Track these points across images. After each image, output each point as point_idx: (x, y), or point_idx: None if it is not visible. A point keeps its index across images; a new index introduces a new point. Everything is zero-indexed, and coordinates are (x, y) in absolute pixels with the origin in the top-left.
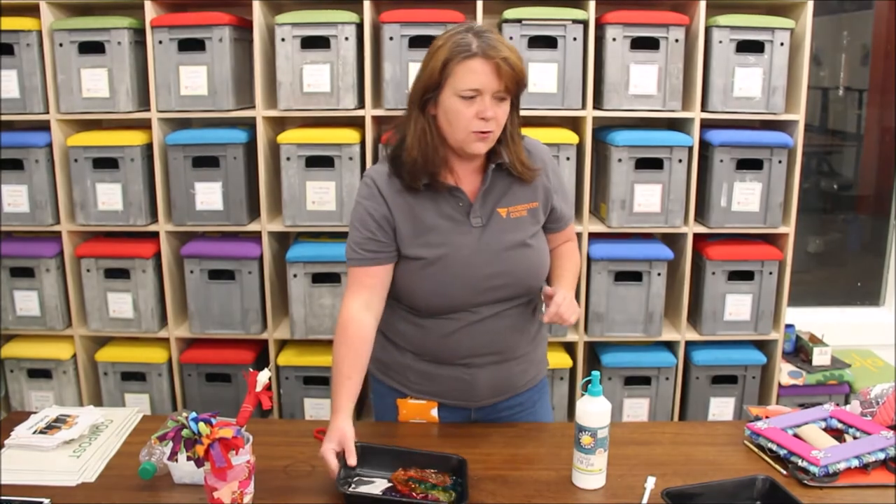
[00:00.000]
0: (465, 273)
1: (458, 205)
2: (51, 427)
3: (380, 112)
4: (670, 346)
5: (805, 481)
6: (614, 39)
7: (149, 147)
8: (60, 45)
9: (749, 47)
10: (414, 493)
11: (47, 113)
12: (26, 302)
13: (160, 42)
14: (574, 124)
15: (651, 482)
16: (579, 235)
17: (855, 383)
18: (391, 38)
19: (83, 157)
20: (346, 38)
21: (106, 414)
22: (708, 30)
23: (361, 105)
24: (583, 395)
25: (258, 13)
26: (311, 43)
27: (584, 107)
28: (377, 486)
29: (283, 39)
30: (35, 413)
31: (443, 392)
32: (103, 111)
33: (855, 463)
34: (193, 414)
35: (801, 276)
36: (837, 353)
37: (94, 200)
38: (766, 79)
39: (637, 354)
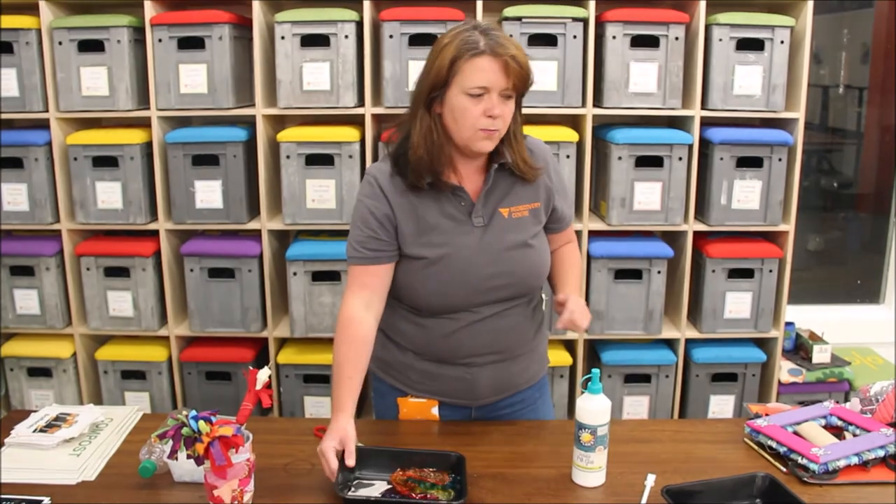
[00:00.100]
0: (467, 273)
1: (460, 204)
2: (51, 425)
3: (380, 110)
4: (670, 343)
5: (805, 479)
6: (614, 37)
7: (148, 145)
8: (60, 43)
9: (749, 45)
10: (413, 494)
11: (47, 111)
12: (26, 300)
13: (160, 40)
14: (574, 122)
15: (651, 480)
16: (579, 233)
17: (855, 381)
18: (391, 36)
19: (83, 155)
20: (346, 36)
21: (106, 412)
22: (708, 28)
23: (361, 103)
24: (583, 392)
25: (258, 11)
26: (310, 41)
27: (584, 105)
28: (377, 489)
29: (282, 37)
30: (35, 411)
31: (444, 391)
32: (103, 109)
33: (855, 460)
34: (193, 412)
35: (801, 274)
36: (837, 351)
37: (93, 199)
38: (766, 77)
39: (637, 352)
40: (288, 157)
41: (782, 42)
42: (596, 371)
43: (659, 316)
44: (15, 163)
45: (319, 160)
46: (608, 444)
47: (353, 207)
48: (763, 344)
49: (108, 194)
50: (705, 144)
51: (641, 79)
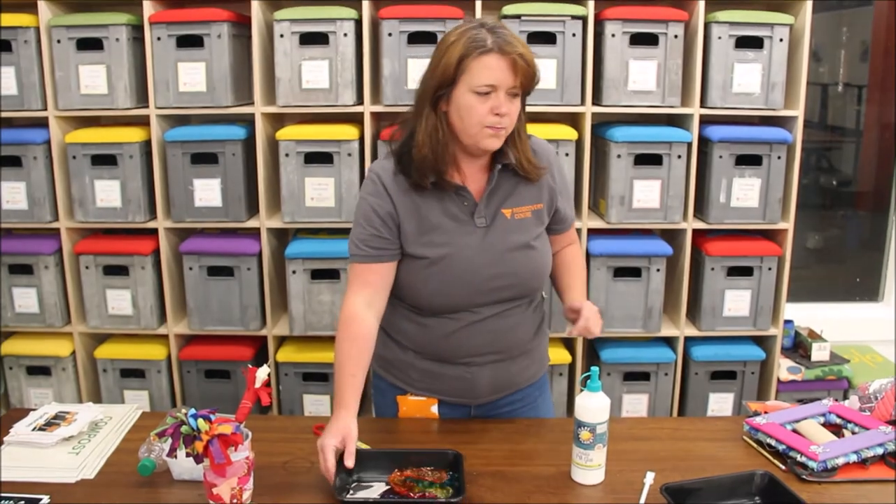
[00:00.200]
0: (468, 273)
1: (463, 204)
2: (50, 424)
3: (379, 108)
4: (669, 341)
5: (804, 476)
6: (613, 35)
7: (147, 144)
8: (58, 41)
9: (748, 43)
10: (411, 493)
11: (45, 110)
12: (25, 299)
13: (158, 38)
14: (573, 120)
15: (650, 477)
16: (578, 231)
17: (853, 379)
18: (390, 35)
19: (81, 153)
20: (345, 35)
21: (105, 411)
22: (707, 25)
23: (360, 101)
24: (582, 390)
25: (257, 9)
26: (309, 39)
27: (583, 103)
28: (375, 490)
29: (281, 36)
30: (34, 410)
31: (444, 390)
32: (102, 108)
33: (853, 458)
34: (192, 410)
35: (800, 272)
36: (836, 349)
37: (92, 197)
38: (765, 75)
39: (636, 350)
40: (287, 155)
41: (781, 40)
42: (595, 369)
43: (658, 314)
44: (14, 161)
45: (318, 158)
46: (607, 441)
47: (354, 205)
48: (762, 342)
49: (107, 193)
50: (704, 142)
51: (640, 77)
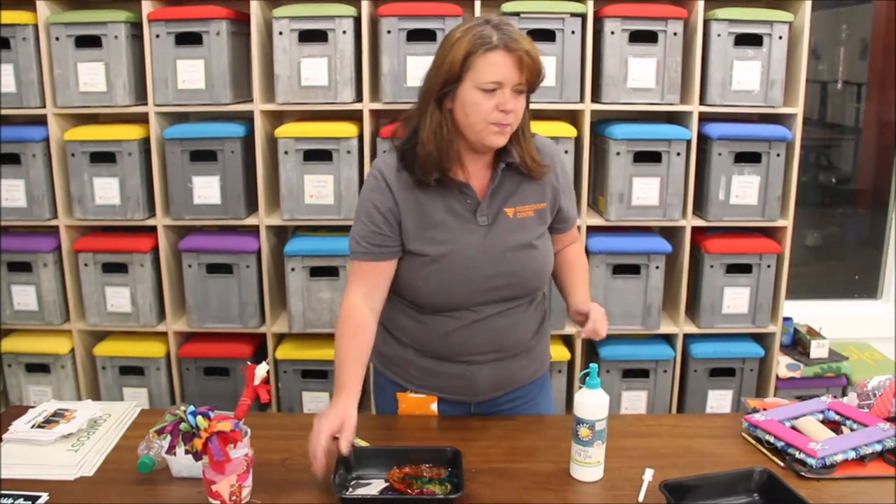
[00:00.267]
0: (469, 272)
1: (465, 202)
2: (49, 421)
3: (378, 106)
4: (668, 338)
5: (802, 473)
6: (612, 33)
7: (146, 141)
8: (57, 38)
9: (747, 40)
10: (410, 490)
11: (44, 107)
12: (24, 296)
13: (157, 36)
14: (572, 117)
15: (649, 474)
16: (577, 228)
17: (852, 376)
18: (389, 32)
19: (80, 151)
20: (344, 32)
21: (104, 408)
22: (706, 23)
23: (359, 99)
24: (581, 387)
25: (255, 7)
26: (308, 36)
27: (582, 100)
28: (374, 487)
29: (280, 33)
30: (33, 407)
31: (443, 387)
32: (100, 105)
33: (852, 455)
34: (191, 407)
35: (799, 270)
36: (835, 346)
37: (91, 195)
38: (764, 72)
39: (635, 347)
40: (286, 152)
41: (781, 37)
42: (594, 366)
43: (657, 311)
44: (12, 159)
45: (317, 156)
46: (606, 438)
47: (353, 203)
48: (761, 339)
49: (106, 190)
50: (703, 140)
51: (640, 74)
